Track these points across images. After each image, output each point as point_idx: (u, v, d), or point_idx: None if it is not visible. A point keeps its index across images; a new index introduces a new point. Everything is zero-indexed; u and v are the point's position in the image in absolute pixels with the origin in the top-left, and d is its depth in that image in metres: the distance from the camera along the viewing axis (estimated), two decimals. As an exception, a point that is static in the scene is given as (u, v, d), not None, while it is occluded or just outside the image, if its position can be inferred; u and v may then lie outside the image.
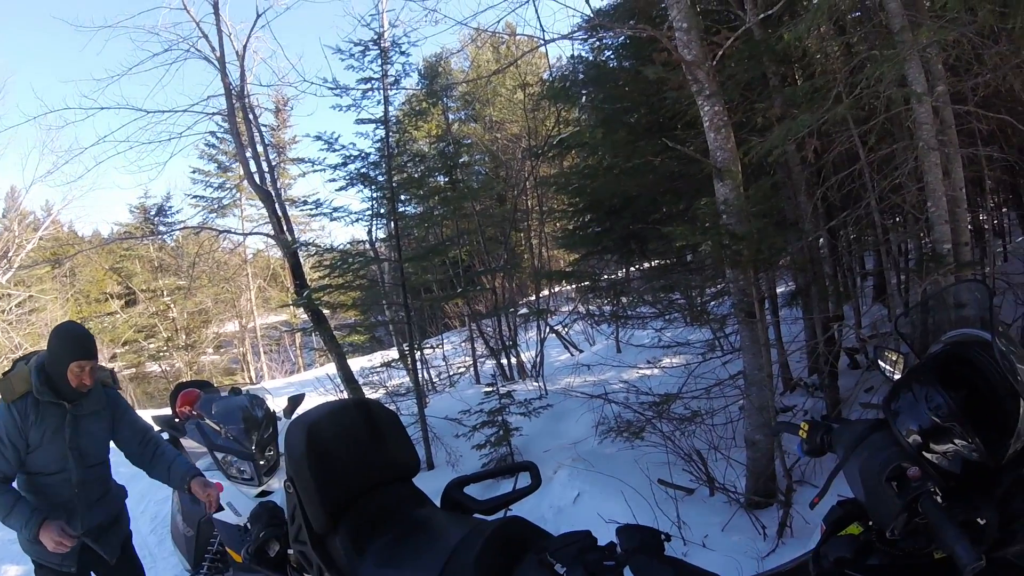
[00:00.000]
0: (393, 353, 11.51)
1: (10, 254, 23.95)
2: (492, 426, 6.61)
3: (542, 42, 6.53)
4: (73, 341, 3.11)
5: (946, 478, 1.52)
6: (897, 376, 2.01)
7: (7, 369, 3.27)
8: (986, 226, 7.82)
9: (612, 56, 7.40)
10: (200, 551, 4.67)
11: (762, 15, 4.86)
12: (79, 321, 30.05)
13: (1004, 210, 8.81)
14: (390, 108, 7.89)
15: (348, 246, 10.25)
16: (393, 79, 7.73)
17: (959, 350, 1.72)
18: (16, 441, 3.03)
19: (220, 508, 3.46)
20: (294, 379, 20.21)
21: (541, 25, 13.71)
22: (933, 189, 4.25)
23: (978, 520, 1.41)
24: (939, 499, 1.44)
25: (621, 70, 6.95)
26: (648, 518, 4.28)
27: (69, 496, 3.18)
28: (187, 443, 4.80)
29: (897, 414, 1.67)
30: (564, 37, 7.41)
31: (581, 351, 11.21)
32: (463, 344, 12.19)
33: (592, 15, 6.70)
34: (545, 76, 13.29)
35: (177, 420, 5.06)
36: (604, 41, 7.20)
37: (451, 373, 10.84)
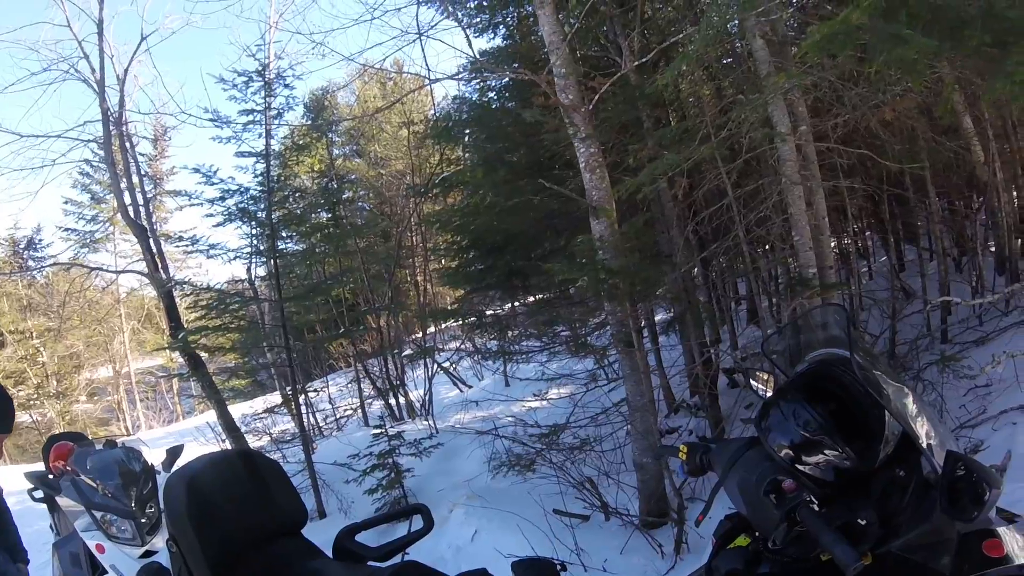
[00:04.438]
0: (276, 397, 11.10)
1: None
2: (383, 469, 6.47)
3: (427, 81, 6.63)
4: None
5: (822, 486, 1.64)
6: (767, 395, 2.13)
7: None
8: (851, 249, 8.47)
9: (495, 97, 7.59)
10: None
11: (637, 62, 5.13)
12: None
13: (868, 233, 9.53)
14: (272, 141, 7.75)
15: (226, 285, 9.91)
16: (276, 112, 7.60)
17: (823, 368, 1.86)
18: None
19: None
20: (173, 428, 19.11)
21: (427, 64, 13.94)
22: (797, 220, 4.62)
23: (859, 521, 1.53)
24: (816, 507, 1.55)
25: (503, 111, 7.13)
26: (547, 549, 4.32)
27: None
28: (63, 502, 4.44)
29: (768, 431, 1.78)
30: (448, 77, 7.62)
31: (470, 387, 11.21)
32: (349, 385, 11.92)
33: (476, 57, 6.87)
34: (430, 114, 13.42)
35: (51, 476, 4.69)
36: (488, 83, 7.37)
37: (338, 416, 10.60)
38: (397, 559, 2.50)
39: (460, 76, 7.19)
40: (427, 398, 9.81)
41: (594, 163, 4.81)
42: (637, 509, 4.95)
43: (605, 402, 6.29)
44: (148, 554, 4.20)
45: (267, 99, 7.41)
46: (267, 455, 2.69)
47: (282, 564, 2.34)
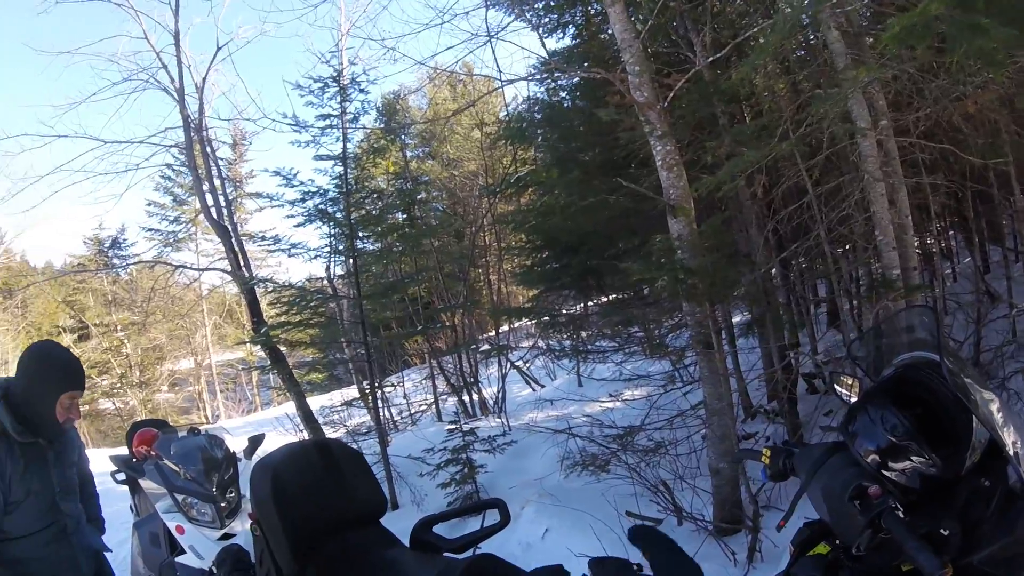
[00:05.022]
0: (352, 391, 11.35)
1: (-41, 283, 23.33)
2: (456, 464, 6.58)
3: (500, 83, 6.68)
4: (65, 369, 2.63)
5: (906, 493, 1.60)
6: (853, 400, 2.09)
7: None
8: (934, 249, 8.13)
9: (567, 96, 7.57)
10: None
11: (711, 58, 5.05)
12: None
13: (951, 233, 9.13)
14: (348, 145, 7.94)
15: (305, 283, 10.18)
16: (352, 116, 7.80)
17: (911, 372, 1.81)
18: None
19: None
20: (252, 418, 19.76)
21: (498, 66, 13.89)
22: (880, 218, 4.47)
23: (941, 531, 1.49)
24: (901, 514, 1.52)
25: (575, 110, 7.11)
26: (618, 551, 4.27)
27: (58, 557, 2.68)
28: (146, 484, 4.65)
29: (855, 436, 1.75)
30: (520, 79, 7.52)
31: (543, 386, 11.21)
32: (424, 382, 12.11)
33: (548, 57, 6.88)
34: (502, 115, 13.48)
35: (135, 460, 4.93)
36: (559, 82, 7.37)
37: (412, 411, 10.76)
38: (470, 552, 2.54)
39: (533, 77, 7.19)
40: (500, 395, 9.88)
41: (671, 161, 4.75)
42: (711, 515, 4.87)
43: (681, 405, 6.20)
44: (226, 536, 4.37)
45: (343, 104, 7.60)
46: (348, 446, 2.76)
47: (359, 551, 2.39)
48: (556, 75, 6.83)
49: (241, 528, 4.49)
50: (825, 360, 6.08)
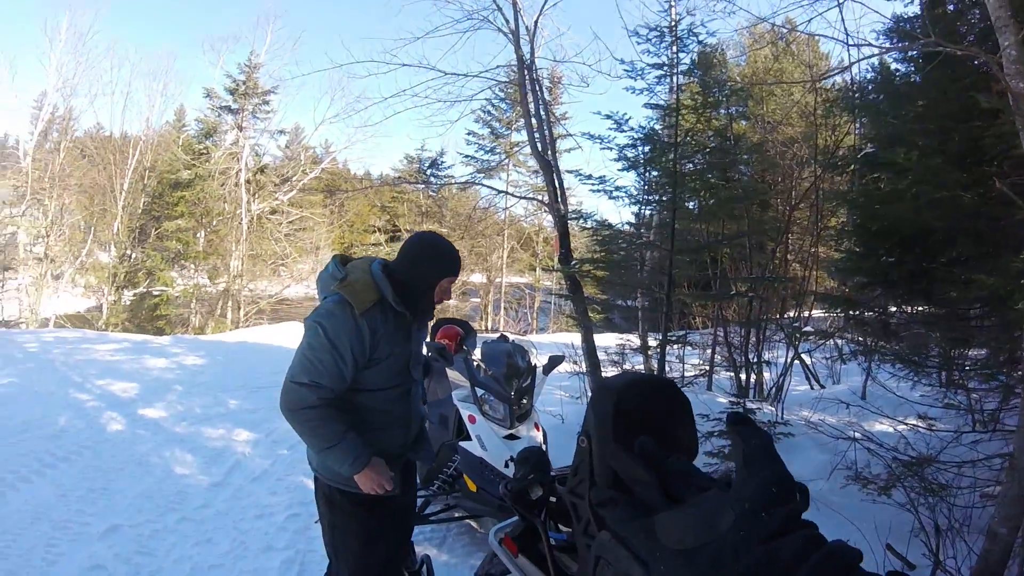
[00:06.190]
0: (630, 338, 11.41)
1: (292, 179, 31.13)
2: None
3: (846, 49, 5.99)
4: (449, 256, 2.98)
5: None
6: None
7: (339, 276, 2.92)
8: None
9: (913, 70, 6.60)
10: (435, 471, 5.12)
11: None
12: (345, 245, 34.74)
13: None
14: (680, 96, 7.86)
15: (622, 226, 10.51)
16: (687, 67, 7.67)
17: None
18: (359, 357, 2.78)
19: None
20: (528, 339, 21.00)
21: (845, 29, 12.39)
22: None
23: None
24: None
25: (930, 86, 6.17)
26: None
27: (398, 413, 3.05)
28: (452, 374, 5.34)
29: None
30: (882, 49, 6.55)
31: (823, 386, 10.33)
32: (700, 349, 11.82)
33: (894, 23, 6.04)
34: (840, 81, 12.23)
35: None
36: (908, 53, 6.46)
37: (684, 374, 10.61)
38: None
39: (894, 48, 6.34)
40: (781, 383, 9.30)
41: (1045, 167, 3.99)
42: (968, 578, 4.18)
43: (981, 448, 5.38)
44: (511, 437, 4.89)
45: (676, 55, 7.52)
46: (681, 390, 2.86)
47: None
48: (912, 45, 5.96)
49: (526, 433, 5.00)
50: None
